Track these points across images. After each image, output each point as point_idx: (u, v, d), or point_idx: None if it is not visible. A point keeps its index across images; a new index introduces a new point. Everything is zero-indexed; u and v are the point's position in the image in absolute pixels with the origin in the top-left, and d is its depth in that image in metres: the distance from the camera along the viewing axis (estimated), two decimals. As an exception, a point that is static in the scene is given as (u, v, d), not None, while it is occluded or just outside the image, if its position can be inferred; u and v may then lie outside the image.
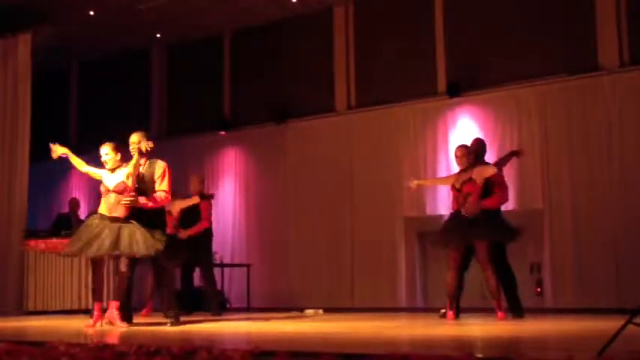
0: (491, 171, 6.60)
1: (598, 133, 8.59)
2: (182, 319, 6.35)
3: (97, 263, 6.24)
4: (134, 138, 6.23)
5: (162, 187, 6.23)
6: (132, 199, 5.99)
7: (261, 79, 11.31)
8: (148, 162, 6.28)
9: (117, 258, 6.36)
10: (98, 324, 6.07)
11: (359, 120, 10.34)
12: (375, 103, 10.23)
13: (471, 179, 6.62)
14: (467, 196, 6.57)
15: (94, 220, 6.12)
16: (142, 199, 6.10)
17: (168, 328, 5.82)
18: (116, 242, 5.92)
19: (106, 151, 6.26)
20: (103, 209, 6.15)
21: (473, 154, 6.84)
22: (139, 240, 5.94)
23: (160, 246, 5.97)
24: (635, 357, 3.05)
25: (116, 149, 6.26)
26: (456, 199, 6.74)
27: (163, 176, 6.25)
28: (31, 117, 9.67)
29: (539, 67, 9.09)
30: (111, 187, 6.14)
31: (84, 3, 10.25)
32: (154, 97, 12.36)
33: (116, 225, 6.01)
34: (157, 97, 12.34)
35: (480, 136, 9.26)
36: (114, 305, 6.04)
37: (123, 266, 6.17)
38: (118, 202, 6.08)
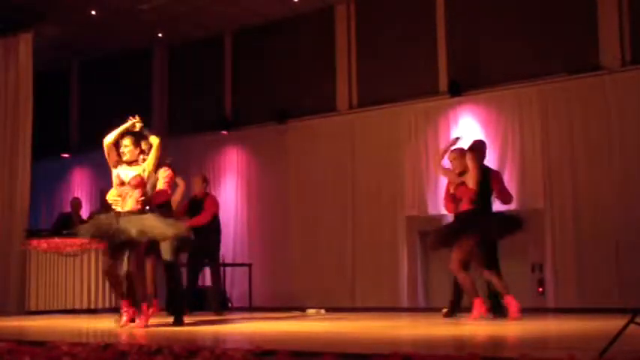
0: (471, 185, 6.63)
1: (599, 132, 8.58)
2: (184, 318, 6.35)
3: (115, 257, 6.11)
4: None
5: (160, 185, 6.32)
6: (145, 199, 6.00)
7: (262, 79, 11.31)
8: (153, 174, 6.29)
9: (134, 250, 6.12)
10: (131, 323, 5.94)
11: (360, 119, 10.34)
12: (377, 102, 10.23)
13: (463, 183, 6.65)
14: (459, 202, 6.66)
15: (109, 217, 5.98)
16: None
17: (171, 328, 5.82)
18: (142, 230, 5.78)
19: (127, 143, 6.13)
20: (117, 203, 6.00)
21: (478, 155, 6.94)
22: (159, 225, 5.84)
23: (181, 230, 5.91)
24: (637, 357, 3.05)
25: (136, 143, 6.18)
26: (453, 203, 6.80)
27: (166, 177, 6.36)
28: (32, 116, 9.68)
29: (540, 67, 9.08)
30: (127, 180, 6.01)
31: (85, 3, 10.25)
32: (155, 96, 12.36)
33: (134, 217, 5.89)
34: (158, 96, 12.35)
35: (482, 135, 9.28)
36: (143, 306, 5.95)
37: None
38: (132, 196, 5.97)
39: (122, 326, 5.90)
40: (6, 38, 9.80)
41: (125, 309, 6.03)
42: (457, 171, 6.77)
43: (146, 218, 5.89)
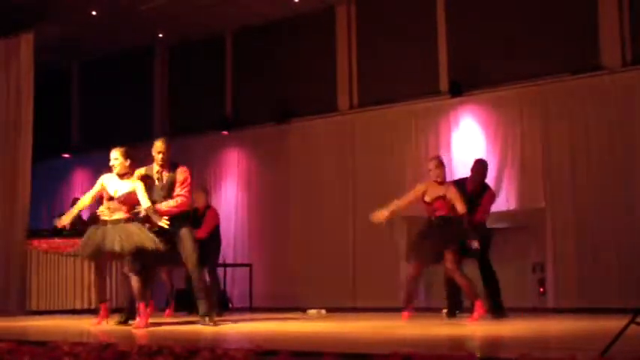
0: (460, 208, 6.65)
1: (600, 132, 8.58)
2: (185, 319, 6.37)
3: (97, 264, 6.31)
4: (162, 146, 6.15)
5: (182, 192, 6.11)
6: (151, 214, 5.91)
7: (263, 79, 11.31)
8: (169, 172, 6.16)
9: (121, 258, 6.30)
10: (103, 323, 6.20)
11: (361, 119, 10.34)
12: (377, 102, 10.23)
13: (444, 197, 6.66)
14: (435, 210, 6.70)
15: (97, 228, 6.09)
16: (163, 207, 5.99)
17: (171, 328, 5.83)
18: (123, 246, 5.89)
19: (115, 156, 6.09)
20: (104, 214, 6.06)
21: (477, 174, 7.10)
22: (139, 236, 5.89)
23: (148, 244, 5.86)
24: (638, 357, 3.05)
25: (126, 155, 6.10)
26: (426, 209, 6.87)
27: (184, 181, 6.14)
28: (33, 116, 9.68)
29: (541, 67, 9.08)
30: (116, 196, 6.01)
31: (86, 3, 10.26)
32: (155, 97, 12.36)
33: (119, 225, 5.96)
34: (159, 97, 12.35)
35: (482, 135, 9.29)
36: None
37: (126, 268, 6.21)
38: (120, 209, 6.03)
39: (93, 325, 6.17)
40: (7, 39, 9.80)
41: (102, 311, 6.34)
42: (439, 180, 6.76)
43: (129, 227, 5.92)
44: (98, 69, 12.83)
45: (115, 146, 6.20)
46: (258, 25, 11.28)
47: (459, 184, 7.02)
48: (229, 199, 11.21)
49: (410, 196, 6.94)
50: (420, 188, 6.90)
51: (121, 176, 6.08)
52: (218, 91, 11.73)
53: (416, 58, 10.03)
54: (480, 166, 7.23)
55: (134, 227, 5.91)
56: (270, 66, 11.23)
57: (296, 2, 10.50)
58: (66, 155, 12.91)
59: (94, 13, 10.47)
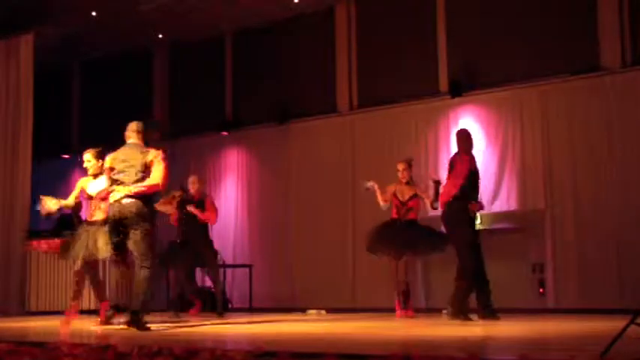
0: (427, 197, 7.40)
1: (600, 133, 8.58)
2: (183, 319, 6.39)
3: (87, 265, 6.46)
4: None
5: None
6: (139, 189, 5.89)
7: (262, 80, 11.30)
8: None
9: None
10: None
11: (361, 120, 10.33)
12: (377, 103, 10.22)
13: (416, 195, 7.37)
14: (409, 210, 7.37)
15: (82, 228, 6.51)
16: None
17: (169, 329, 5.83)
18: (88, 247, 6.28)
19: (88, 158, 6.50)
20: (87, 215, 6.52)
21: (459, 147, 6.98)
22: (99, 244, 6.26)
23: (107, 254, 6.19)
24: (638, 357, 3.05)
25: (98, 156, 6.47)
26: (397, 209, 7.45)
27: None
28: (33, 117, 9.68)
29: (541, 67, 9.08)
30: (93, 194, 6.39)
31: (86, 4, 10.26)
32: (156, 97, 12.36)
33: (93, 228, 6.32)
34: (159, 97, 12.34)
35: (482, 135, 9.28)
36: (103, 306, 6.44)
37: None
38: (100, 208, 6.35)
39: (95, 325, 6.23)
40: (7, 39, 9.81)
41: (103, 310, 6.55)
42: (404, 180, 7.39)
43: (100, 235, 6.25)
44: (98, 69, 12.82)
45: (87, 148, 6.65)
46: (257, 25, 11.27)
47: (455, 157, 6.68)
48: (229, 199, 11.20)
49: (386, 195, 7.50)
50: (390, 188, 7.47)
51: (95, 176, 6.47)
52: (218, 92, 11.72)
53: (416, 59, 10.03)
54: (457, 137, 6.74)
55: (99, 236, 6.26)
56: (269, 66, 11.22)
57: (296, 2, 10.49)
58: (65, 156, 12.90)
59: (94, 13, 10.47)
